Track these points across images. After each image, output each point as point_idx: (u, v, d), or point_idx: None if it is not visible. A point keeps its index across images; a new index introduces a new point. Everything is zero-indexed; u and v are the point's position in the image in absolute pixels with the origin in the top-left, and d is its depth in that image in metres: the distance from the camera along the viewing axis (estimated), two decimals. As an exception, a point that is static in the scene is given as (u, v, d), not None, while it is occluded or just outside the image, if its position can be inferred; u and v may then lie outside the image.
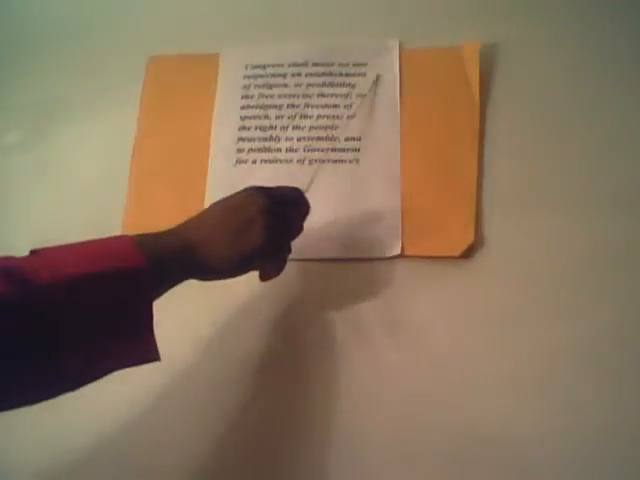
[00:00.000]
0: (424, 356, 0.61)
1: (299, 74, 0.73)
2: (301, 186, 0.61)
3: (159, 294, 0.49)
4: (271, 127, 0.71)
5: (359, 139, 0.69)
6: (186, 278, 0.52)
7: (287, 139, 0.71)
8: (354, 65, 0.72)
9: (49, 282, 0.41)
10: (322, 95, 0.72)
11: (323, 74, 0.72)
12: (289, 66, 0.73)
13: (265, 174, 0.69)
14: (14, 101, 0.79)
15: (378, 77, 0.70)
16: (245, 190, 0.55)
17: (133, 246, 0.46)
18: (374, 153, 0.68)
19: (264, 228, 0.52)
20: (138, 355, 0.46)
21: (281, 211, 0.54)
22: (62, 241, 0.69)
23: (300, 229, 0.59)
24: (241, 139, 0.71)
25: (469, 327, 0.61)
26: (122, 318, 0.45)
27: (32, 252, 0.44)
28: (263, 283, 0.58)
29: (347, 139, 0.69)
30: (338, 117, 0.70)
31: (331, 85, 0.72)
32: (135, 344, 0.46)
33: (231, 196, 0.55)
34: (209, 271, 0.52)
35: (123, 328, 0.45)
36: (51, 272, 0.42)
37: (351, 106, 0.70)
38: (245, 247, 0.52)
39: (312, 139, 0.70)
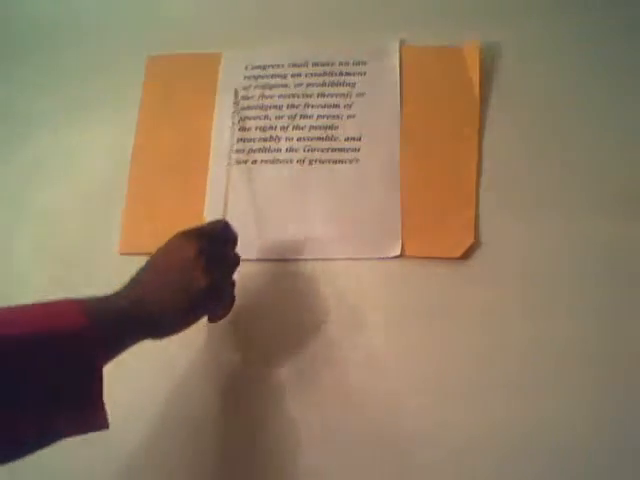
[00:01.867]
0: (424, 356, 0.61)
1: (299, 74, 0.73)
2: (301, 187, 0.61)
3: (109, 357, 0.47)
4: (271, 127, 0.71)
5: (359, 139, 0.69)
6: (139, 339, 0.50)
7: (287, 139, 0.71)
8: (354, 64, 0.72)
9: None
10: (322, 95, 0.72)
11: (323, 74, 0.72)
12: (289, 66, 0.73)
13: (265, 174, 0.69)
14: (14, 101, 0.79)
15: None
16: (174, 239, 0.54)
17: (76, 307, 0.45)
18: (374, 153, 0.68)
19: (203, 271, 0.52)
20: (85, 424, 0.44)
21: (216, 249, 0.54)
22: (62, 241, 0.71)
23: (237, 260, 0.58)
24: (241, 139, 0.71)
25: (469, 327, 0.61)
26: (66, 383, 0.43)
27: None
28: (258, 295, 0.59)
29: (347, 139, 0.69)
30: (338, 117, 0.70)
31: (331, 85, 0.72)
32: (82, 412, 0.44)
33: (164, 248, 0.54)
34: (160, 325, 0.51)
35: (68, 394, 0.43)
36: None
37: (351, 106, 0.70)
38: (191, 295, 0.51)
39: (312, 139, 0.70)
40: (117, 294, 0.50)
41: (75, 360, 0.43)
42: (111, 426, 0.45)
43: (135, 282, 0.52)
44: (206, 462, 0.61)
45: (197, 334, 0.60)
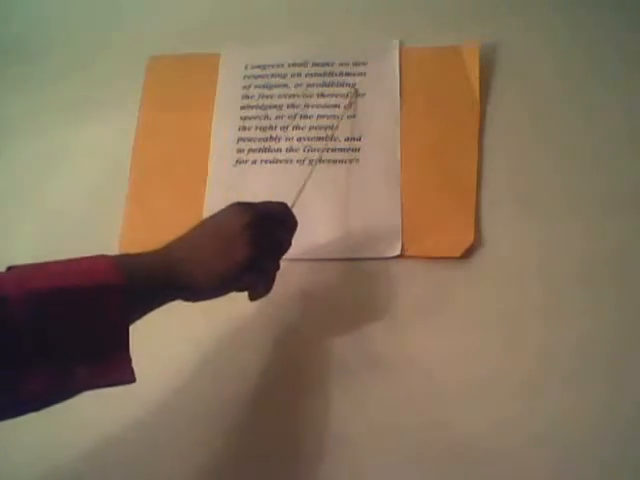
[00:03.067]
0: (424, 356, 0.61)
1: (299, 74, 0.73)
2: (298, 187, 0.61)
3: (139, 314, 0.47)
4: (271, 127, 0.71)
5: (359, 139, 0.69)
6: (170, 299, 0.50)
7: (287, 139, 0.71)
8: (354, 65, 0.72)
9: (15, 296, 0.40)
10: (322, 95, 0.72)
11: (323, 74, 0.72)
12: (289, 66, 0.73)
13: (265, 174, 0.69)
14: (15, 101, 0.79)
15: (357, 92, 0.70)
16: (229, 206, 0.54)
17: (110, 263, 0.45)
18: (374, 153, 0.68)
19: (248, 243, 0.51)
20: (109, 376, 0.44)
21: (266, 226, 0.53)
22: (62, 241, 0.70)
23: (288, 244, 0.58)
24: (241, 139, 0.71)
25: (469, 327, 0.61)
26: (93, 336, 0.43)
27: (9, 268, 0.44)
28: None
29: (347, 139, 0.69)
30: (338, 117, 0.70)
31: (331, 85, 0.72)
32: (107, 364, 0.44)
33: (215, 213, 0.54)
34: (194, 290, 0.51)
35: (94, 347, 0.43)
36: (18, 286, 0.41)
37: (351, 106, 0.70)
38: (229, 263, 0.51)
39: (312, 139, 0.70)
40: (154, 252, 0.50)
41: (105, 314, 0.43)
42: (135, 385, 0.45)
43: (177, 243, 0.52)
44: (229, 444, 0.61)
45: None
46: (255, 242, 0.51)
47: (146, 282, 0.47)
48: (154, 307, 0.49)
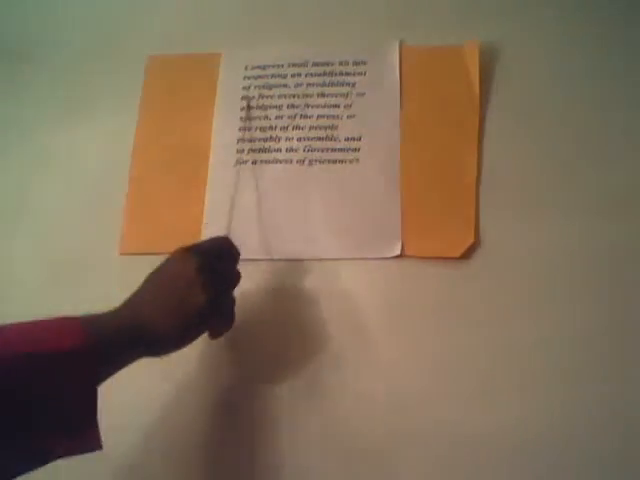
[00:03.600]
0: (424, 356, 0.61)
1: (299, 74, 0.73)
2: (301, 187, 0.61)
3: (106, 376, 0.47)
4: (271, 127, 0.71)
5: (359, 139, 0.69)
6: (137, 357, 0.50)
7: (287, 139, 0.70)
8: (354, 64, 0.72)
9: None
10: (322, 95, 0.72)
11: (323, 74, 0.72)
12: (289, 66, 0.73)
13: (265, 174, 0.69)
14: (14, 101, 0.79)
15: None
16: (175, 253, 0.54)
17: (74, 326, 0.45)
18: (374, 153, 0.68)
19: (203, 288, 0.51)
20: (78, 445, 0.44)
21: (215, 265, 0.54)
22: (62, 241, 0.71)
23: (238, 276, 0.58)
24: (241, 139, 0.71)
25: (469, 327, 0.61)
26: (59, 403, 0.42)
27: None
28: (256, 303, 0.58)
29: (347, 139, 0.69)
30: (338, 117, 0.70)
31: (331, 85, 0.72)
32: (75, 432, 0.43)
33: (163, 264, 0.54)
34: (160, 344, 0.51)
35: (61, 414, 0.43)
36: None
37: (351, 106, 0.70)
38: (190, 311, 0.51)
39: (312, 139, 0.70)
40: (115, 311, 0.50)
41: (72, 379, 0.43)
42: (105, 437, 0.45)
43: (134, 299, 0.52)
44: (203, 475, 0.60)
45: (195, 346, 0.59)
46: (209, 286, 0.52)
47: (112, 342, 0.47)
48: (120, 368, 0.49)
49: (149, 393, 0.62)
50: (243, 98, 0.73)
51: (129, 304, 0.51)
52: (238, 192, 0.68)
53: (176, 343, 0.52)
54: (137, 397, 0.61)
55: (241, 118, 0.70)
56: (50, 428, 0.42)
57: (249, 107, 0.71)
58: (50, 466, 0.43)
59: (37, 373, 0.42)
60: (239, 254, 0.58)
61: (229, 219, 0.65)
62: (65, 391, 0.43)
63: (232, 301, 0.58)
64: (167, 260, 0.54)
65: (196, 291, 0.51)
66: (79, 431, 0.43)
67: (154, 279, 0.53)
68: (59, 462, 0.43)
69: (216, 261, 0.54)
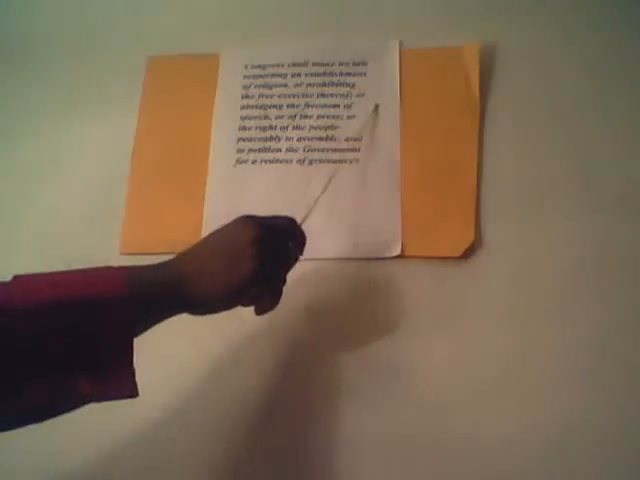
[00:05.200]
0: (424, 356, 0.61)
1: (299, 74, 0.73)
2: (301, 187, 0.61)
3: (144, 327, 0.47)
4: (271, 127, 0.71)
5: (359, 139, 0.69)
6: (176, 312, 0.50)
7: (287, 139, 0.71)
8: (354, 65, 0.72)
9: (20, 306, 0.40)
10: (322, 95, 0.72)
11: (323, 74, 0.72)
12: (289, 66, 0.73)
13: (265, 174, 0.69)
14: (14, 101, 0.79)
15: (377, 106, 0.70)
16: (236, 220, 0.54)
17: (116, 275, 0.45)
18: (374, 153, 0.68)
19: (254, 257, 0.51)
20: (112, 390, 0.44)
21: (273, 241, 0.53)
22: (62, 241, 0.71)
23: (295, 260, 0.57)
24: (241, 139, 0.71)
25: (469, 327, 0.61)
26: (97, 348, 0.43)
27: (15, 277, 0.43)
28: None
29: (347, 139, 0.69)
30: (338, 117, 0.70)
31: (331, 85, 0.72)
32: (110, 378, 0.44)
33: (222, 227, 0.54)
34: (200, 303, 0.51)
35: (97, 359, 0.43)
36: (23, 297, 0.41)
37: (351, 106, 0.70)
38: (235, 277, 0.50)
39: (312, 139, 0.70)
40: (160, 265, 0.50)
41: (110, 327, 0.44)
42: (139, 398, 0.45)
43: (182, 256, 0.52)
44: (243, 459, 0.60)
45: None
46: (261, 257, 0.51)
47: (152, 295, 0.47)
48: (159, 320, 0.49)
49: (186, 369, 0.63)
50: (243, 98, 0.73)
51: (176, 259, 0.51)
52: (238, 192, 0.68)
53: (216, 306, 0.52)
54: (172, 374, 0.62)
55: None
56: (87, 371, 0.43)
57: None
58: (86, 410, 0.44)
59: (78, 317, 0.42)
60: (305, 239, 0.58)
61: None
62: (104, 336, 0.43)
63: (283, 281, 0.57)
64: (227, 224, 0.54)
65: (245, 260, 0.50)
66: (115, 376, 0.44)
67: (208, 239, 0.53)
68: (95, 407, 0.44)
69: (276, 237, 0.54)
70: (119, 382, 0.44)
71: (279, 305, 0.56)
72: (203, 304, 0.51)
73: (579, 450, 0.56)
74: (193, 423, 0.61)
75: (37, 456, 0.61)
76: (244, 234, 0.51)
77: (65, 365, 0.42)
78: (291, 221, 0.58)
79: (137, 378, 0.45)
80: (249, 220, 0.53)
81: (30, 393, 0.40)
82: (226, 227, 0.53)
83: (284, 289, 0.56)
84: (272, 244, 0.53)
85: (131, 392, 0.45)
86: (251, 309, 0.55)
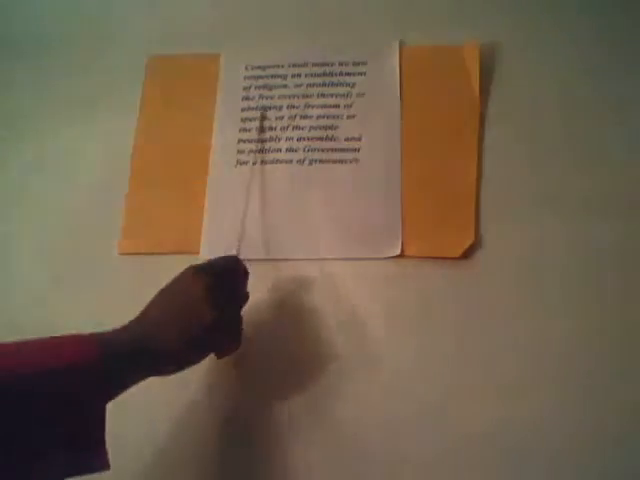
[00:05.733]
0: (424, 356, 0.61)
1: (299, 74, 0.73)
2: (301, 187, 0.61)
3: (114, 395, 0.47)
4: (271, 127, 0.71)
5: (359, 139, 0.69)
6: (144, 376, 0.50)
7: (287, 139, 0.70)
8: (354, 65, 0.72)
9: None
10: (322, 95, 0.72)
11: (323, 74, 0.72)
12: (289, 66, 0.73)
13: (265, 174, 0.69)
14: (14, 101, 0.79)
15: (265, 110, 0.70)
16: (185, 272, 0.54)
17: (87, 342, 0.45)
18: (374, 153, 0.68)
19: (211, 306, 0.51)
20: (87, 463, 0.44)
21: (225, 285, 0.54)
22: (62, 241, 0.71)
23: (246, 296, 0.58)
24: (241, 140, 0.71)
25: (469, 327, 0.61)
26: (70, 419, 0.43)
27: None
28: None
29: (347, 139, 0.69)
30: (338, 117, 0.70)
31: (331, 85, 0.72)
32: (82, 452, 0.43)
33: (172, 283, 0.54)
34: (166, 361, 0.51)
35: (69, 432, 0.43)
36: None
37: (351, 106, 0.70)
38: (197, 329, 0.51)
39: (312, 139, 0.70)
40: (123, 329, 0.50)
41: (81, 397, 0.43)
42: (112, 459, 0.45)
43: (141, 318, 0.52)
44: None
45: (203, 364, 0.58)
46: (217, 304, 0.52)
47: (125, 359, 0.47)
48: (130, 385, 0.49)
49: (158, 410, 0.62)
50: (243, 99, 0.73)
51: (138, 321, 0.52)
52: (238, 192, 0.68)
53: (182, 362, 0.53)
54: (147, 413, 0.61)
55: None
56: (59, 446, 0.42)
57: (263, 118, 0.71)
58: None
59: (49, 389, 0.42)
60: (248, 274, 0.59)
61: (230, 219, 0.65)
62: (75, 407, 0.43)
63: (240, 321, 0.58)
64: (176, 278, 0.54)
65: (204, 310, 0.51)
66: (88, 450, 0.44)
67: (163, 297, 0.53)
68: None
69: (225, 280, 0.55)
70: (93, 455, 0.44)
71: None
72: (170, 361, 0.52)
73: (585, 452, 0.55)
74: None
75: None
76: (197, 284, 0.52)
77: (36, 440, 0.41)
78: (232, 259, 0.59)
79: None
80: (197, 271, 0.54)
81: (21, 469, 0.40)
82: (176, 281, 0.54)
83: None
84: (224, 288, 0.54)
85: (104, 465, 0.45)
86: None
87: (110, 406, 0.46)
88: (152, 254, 0.67)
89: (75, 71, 0.78)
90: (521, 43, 0.69)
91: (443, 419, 0.58)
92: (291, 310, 0.64)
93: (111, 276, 0.68)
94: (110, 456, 0.45)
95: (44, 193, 0.74)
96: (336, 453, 0.59)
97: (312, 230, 0.66)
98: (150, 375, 0.51)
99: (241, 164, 0.70)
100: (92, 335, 0.46)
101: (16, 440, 0.40)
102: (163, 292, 0.54)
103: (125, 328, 0.50)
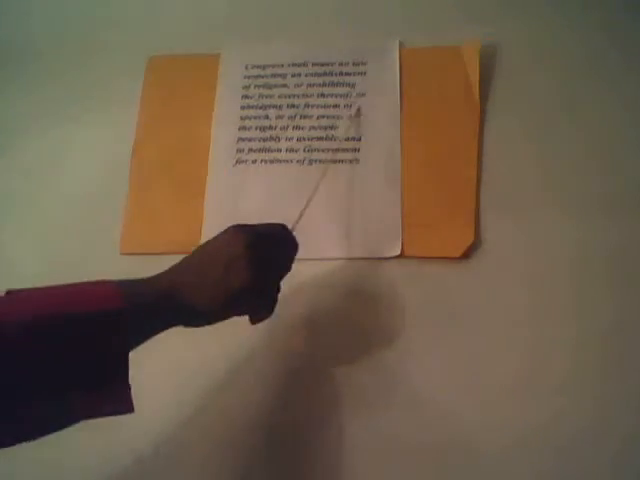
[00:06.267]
0: (424, 356, 0.61)
1: (299, 74, 0.73)
2: (301, 187, 0.61)
3: (140, 341, 0.47)
4: (271, 127, 0.71)
5: (359, 139, 0.69)
6: (172, 325, 0.50)
7: (287, 139, 0.71)
8: (354, 65, 0.72)
9: (13, 322, 0.39)
10: (322, 95, 0.72)
11: (323, 74, 0.72)
12: (289, 66, 0.73)
13: (265, 174, 0.69)
14: (14, 101, 0.79)
15: (359, 109, 0.70)
16: (229, 229, 0.53)
17: (111, 289, 0.45)
18: (374, 153, 0.68)
19: (248, 266, 0.50)
20: (108, 406, 0.43)
21: (266, 249, 0.52)
22: (63, 241, 0.71)
23: (289, 267, 0.57)
24: (241, 139, 0.71)
25: (469, 327, 0.61)
26: (92, 364, 0.42)
27: (8, 292, 0.42)
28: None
29: (347, 139, 0.69)
30: (338, 117, 0.70)
31: (331, 85, 0.72)
32: (105, 394, 0.43)
33: (215, 236, 0.53)
34: (195, 314, 0.50)
35: (93, 375, 0.42)
36: (16, 312, 0.40)
37: (351, 106, 0.70)
38: (230, 286, 0.50)
39: (312, 139, 0.70)
40: (154, 277, 0.49)
41: (105, 340, 0.43)
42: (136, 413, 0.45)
43: (176, 267, 0.51)
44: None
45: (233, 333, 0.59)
46: (255, 266, 0.50)
47: (147, 306, 0.47)
48: (154, 334, 0.48)
49: (187, 376, 0.63)
50: (243, 98, 0.73)
51: (170, 271, 0.51)
52: (238, 192, 0.68)
53: (211, 317, 0.51)
54: (173, 369, 0.62)
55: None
56: (82, 387, 0.42)
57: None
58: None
59: (72, 333, 0.41)
60: (297, 246, 0.57)
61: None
62: (98, 352, 0.43)
63: (277, 289, 0.56)
64: (219, 234, 0.53)
65: (241, 268, 0.50)
66: (111, 391, 0.43)
67: (201, 250, 0.53)
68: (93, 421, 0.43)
69: (268, 244, 0.53)
70: (116, 398, 0.43)
71: (276, 312, 0.55)
72: (199, 314, 0.50)
73: (590, 452, 0.55)
74: (193, 438, 0.61)
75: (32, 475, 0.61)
76: (237, 243, 0.51)
77: (61, 381, 0.41)
78: (283, 228, 0.57)
79: (134, 393, 0.44)
80: (241, 228, 0.53)
81: (23, 410, 0.40)
82: (220, 236, 0.53)
83: (280, 296, 0.55)
84: (266, 252, 0.52)
85: (127, 408, 0.44)
86: (245, 318, 0.55)
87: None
88: (154, 254, 0.67)
89: (75, 71, 0.78)
90: (521, 43, 0.69)
91: (443, 419, 0.58)
92: (290, 311, 0.64)
93: (112, 276, 0.68)
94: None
95: (44, 193, 0.74)
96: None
97: (312, 230, 0.66)
98: (177, 325, 0.50)
99: (240, 163, 0.70)
100: (115, 282, 0.46)
101: (41, 379, 0.40)
102: (201, 246, 0.53)
103: (155, 277, 0.50)
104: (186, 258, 0.52)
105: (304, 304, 0.64)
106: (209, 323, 0.52)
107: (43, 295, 0.43)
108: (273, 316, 0.55)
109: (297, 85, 0.73)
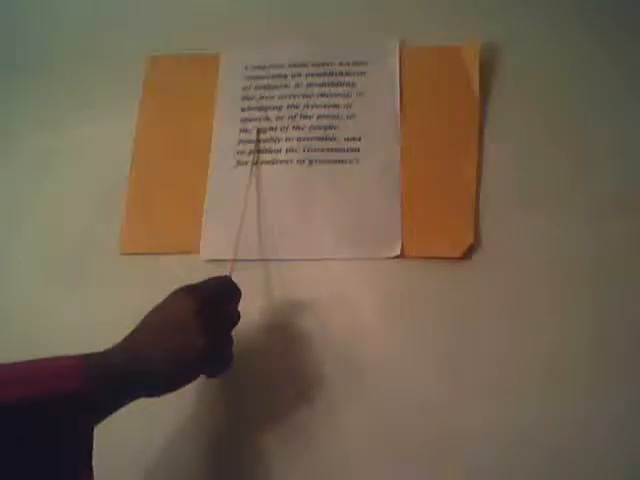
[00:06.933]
0: (424, 357, 0.61)
1: (299, 74, 0.73)
2: (301, 188, 0.61)
3: (103, 418, 0.47)
4: (271, 128, 0.71)
5: (359, 139, 0.69)
6: (134, 398, 0.50)
7: (287, 139, 0.70)
8: (354, 65, 0.72)
9: None
10: (322, 95, 0.72)
11: (323, 74, 0.72)
12: (289, 66, 0.73)
13: (265, 175, 0.69)
14: (15, 101, 0.79)
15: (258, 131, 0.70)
16: (174, 294, 0.53)
17: (74, 367, 0.44)
18: (374, 153, 0.68)
19: (203, 330, 0.51)
20: None
21: (215, 307, 0.53)
22: (62, 241, 0.71)
23: (237, 317, 0.57)
24: (241, 140, 0.71)
25: (469, 327, 0.61)
26: (57, 446, 0.42)
27: None
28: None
29: (347, 139, 0.69)
30: (338, 117, 0.70)
31: (331, 85, 0.72)
32: (71, 476, 0.42)
33: (163, 304, 0.53)
34: (158, 385, 0.51)
35: (57, 458, 0.42)
36: None
37: (351, 106, 0.70)
38: (189, 354, 0.50)
39: (312, 139, 0.70)
40: (113, 351, 0.50)
41: (70, 422, 0.43)
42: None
43: (132, 339, 0.51)
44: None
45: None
46: (208, 327, 0.51)
47: (113, 383, 0.47)
48: (119, 408, 0.49)
49: (141, 437, 0.61)
50: (243, 99, 0.73)
51: (128, 344, 0.51)
52: (238, 193, 0.68)
53: (174, 384, 0.52)
54: (129, 441, 0.60)
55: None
56: (45, 474, 0.41)
57: (259, 133, 0.71)
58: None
59: (33, 418, 0.41)
60: (240, 294, 0.58)
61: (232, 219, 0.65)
62: (62, 434, 0.42)
63: (230, 341, 0.57)
64: (166, 299, 0.53)
65: (194, 334, 0.50)
66: (75, 476, 0.43)
67: (153, 319, 0.53)
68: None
69: (216, 303, 0.54)
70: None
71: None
72: (163, 384, 0.51)
73: (581, 452, 0.55)
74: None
75: None
76: (188, 308, 0.51)
77: (26, 468, 0.40)
78: (225, 280, 0.58)
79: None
80: (188, 292, 0.53)
81: None
82: (166, 304, 0.53)
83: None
84: (215, 314, 0.53)
85: None
86: None
87: (101, 425, 0.46)
88: (153, 254, 0.67)
89: (75, 71, 0.78)
90: (521, 43, 0.69)
91: (442, 417, 0.59)
92: (290, 311, 0.64)
93: (111, 276, 0.68)
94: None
95: (44, 193, 0.74)
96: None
97: (312, 230, 0.66)
98: (139, 397, 0.50)
99: (241, 164, 0.70)
100: (78, 359, 0.45)
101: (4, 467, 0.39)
102: (153, 313, 0.53)
103: (114, 350, 0.50)
104: (140, 328, 0.52)
105: (303, 304, 0.64)
106: (170, 390, 0.52)
107: (6, 376, 0.42)
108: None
109: (297, 85, 0.72)
